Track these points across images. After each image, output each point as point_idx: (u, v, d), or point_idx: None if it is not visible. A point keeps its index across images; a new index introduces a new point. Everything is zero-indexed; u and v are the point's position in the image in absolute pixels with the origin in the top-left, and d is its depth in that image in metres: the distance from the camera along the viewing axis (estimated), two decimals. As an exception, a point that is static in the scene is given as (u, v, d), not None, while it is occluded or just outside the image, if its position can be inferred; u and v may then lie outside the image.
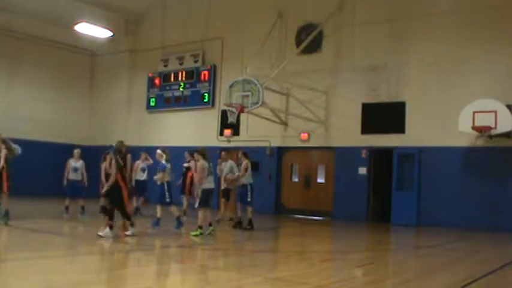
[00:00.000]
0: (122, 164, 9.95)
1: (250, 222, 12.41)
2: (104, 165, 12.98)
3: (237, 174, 12.76)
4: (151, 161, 14.57)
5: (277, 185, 18.85)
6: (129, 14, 23.24)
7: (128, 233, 9.93)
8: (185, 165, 14.67)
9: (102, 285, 6.08)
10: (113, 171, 9.94)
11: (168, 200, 11.68)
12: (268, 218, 16.43)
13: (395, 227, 15.43)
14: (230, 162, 13.04)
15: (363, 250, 11.11)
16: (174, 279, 6.80)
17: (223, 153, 13.47)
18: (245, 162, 12.60)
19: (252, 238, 11.57)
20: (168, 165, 11.81)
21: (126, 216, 10.03)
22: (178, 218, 11.58)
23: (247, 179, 12.51)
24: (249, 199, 12.43)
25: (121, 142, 10.27)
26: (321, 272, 7.88)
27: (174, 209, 11.67)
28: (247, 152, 13.15)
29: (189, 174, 14.49)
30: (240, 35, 19.79)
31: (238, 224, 12.55)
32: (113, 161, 10.05)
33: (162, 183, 11.70)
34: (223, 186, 13.31)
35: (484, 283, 7.05)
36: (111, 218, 9.81)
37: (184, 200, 14.53)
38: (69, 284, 6.08)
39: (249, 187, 12.44)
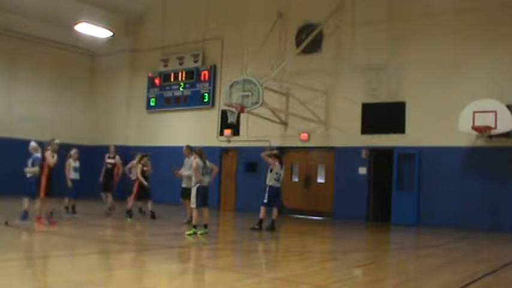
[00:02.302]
0: None
1: (259, 222, 12.43)
2: (139, 166, 13.75)
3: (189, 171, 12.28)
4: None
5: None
6: (129, 14, 23.24)
7: None
8: (111, 161, 14.57)
9: (103, 286, 6.07)
10: None
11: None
12: (268, 218, 16.38)
13: (395, 227, 15.43)
14: (191, 159, 12.44)
15: (363, 250, 11.10)
16: (174, 279, 6.79)
17: (184, 148, 13.26)
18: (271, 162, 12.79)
19: (252, 238, 11.57)
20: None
21: None
22: (26, 211, 11.60)
23: (269, 181, 12.59)
24: (265, 200, 12.53)
25: None
26: (321, 272, 7.87)
27: (26, 201, 11.44)
28: (278, 154, 13.19)
29: (115, 170, 14.37)
30: (240, 35, 19.79)
31: (258, 225, 12.48)
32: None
33: (32, 177, 11.73)
34: (184, 184, 12.90)
35: (484, 283, 7.04)
36: None
37: (109, 197, 14.47)
38: (69, 284, 6.08)
39: (267, 188, 12.56)
